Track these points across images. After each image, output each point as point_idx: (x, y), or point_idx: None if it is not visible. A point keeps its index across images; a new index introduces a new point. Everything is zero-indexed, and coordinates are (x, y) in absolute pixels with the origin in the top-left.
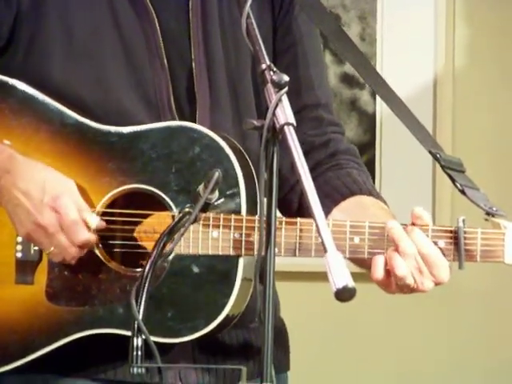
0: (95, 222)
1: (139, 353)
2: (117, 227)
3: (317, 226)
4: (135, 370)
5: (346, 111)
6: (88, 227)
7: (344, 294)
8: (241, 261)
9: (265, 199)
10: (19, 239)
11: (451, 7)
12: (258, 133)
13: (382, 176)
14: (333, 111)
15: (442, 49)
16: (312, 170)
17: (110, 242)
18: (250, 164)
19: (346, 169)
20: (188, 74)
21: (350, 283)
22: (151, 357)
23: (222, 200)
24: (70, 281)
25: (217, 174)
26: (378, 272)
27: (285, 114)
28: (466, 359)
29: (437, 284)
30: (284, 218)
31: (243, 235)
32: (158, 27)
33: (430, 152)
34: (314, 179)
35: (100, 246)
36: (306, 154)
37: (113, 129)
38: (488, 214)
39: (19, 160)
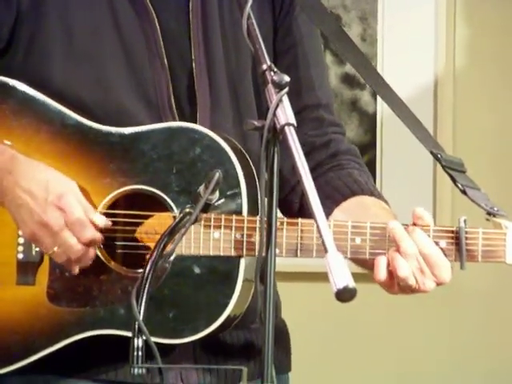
0: (102, 220)
1: (140, 353)
2: (118, 228)
3: (317, 226)
4: (136, 370)
5: (346, 111)
6: (94, 226)
7: (345, 295)
8: (242, 261)
9: (265, 199)
10: (20, 240)
11: (452, 8)
12: (258, 133)
13: (382, 176)
14: (333, 111)
15: (443, 49)
16: (313, 170)
17: (111, 242)
18: (251, 164)
19: (347, 169)
20: (188, 74)
21: (351, 284)
22: (152, 357)
23: (222, 200)
24: (71, 282)
25: (217, 174)
26: (381, 273)
27: (285, 114)
28: (467, 360)
29: (438, 284)
30: (285, 219)
31: (244, 236)
32: (158, 27)
33: (431, 152)
34: (315, 180)
35: (101, 246)
36: (307, 154)
37: (113, 129)
38: (489, 214)
39: (21, 160)
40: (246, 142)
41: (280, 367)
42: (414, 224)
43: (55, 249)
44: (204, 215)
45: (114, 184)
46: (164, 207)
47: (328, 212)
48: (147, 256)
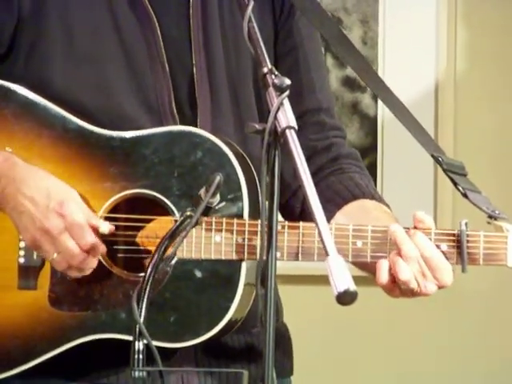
0: (107, 227)
1: (140, 356)
2: (119, 232)
3: (318, 229)
4: (136, 373)
5: (347, 114)
6: (96, 232)
7: (345, 298)
8: (244, 265)
9: (266, 203)
10: (22, 244)
11: (453, 11)
12: (259, 137)
13: (383, 179)
14: (335, 115)
15: (444, 52)
16: (314, 174)
17: (113, 246)
18: (252, 168)
19: (348, 173)
20: (189, 79)
21: (352, 287)
22: (153, 361)
23: (223, 204)
24: (73, 286)
25: (218, 177)
26: (383, 276)
27: (286, 117)
28: (468, 362)
29: (440, 287)
30: (286, 222)
31: (246, 239)
32: (159, 32)
33: (433, 156)
34: (316, 184)
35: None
36: (309, 158)
37: (115, 134)
38: (490, 217)
39: (22, 167)
40: (247, 146)
41: (282, 371)
42: (415, 227)
43: (55, 255)
44: (205, 219)
45: (115, 188)
46: (165, 211)
47: (329, 216)
48: (148, 260)
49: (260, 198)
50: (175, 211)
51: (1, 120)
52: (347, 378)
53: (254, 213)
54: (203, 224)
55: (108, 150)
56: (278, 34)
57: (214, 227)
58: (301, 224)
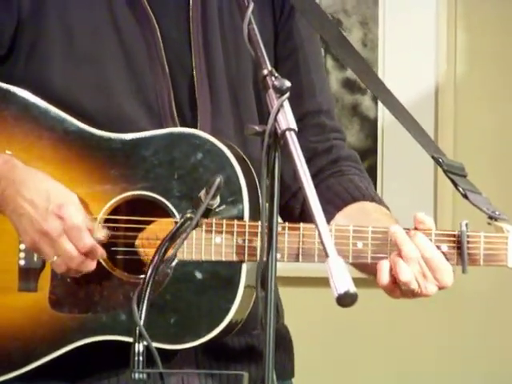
0: (101, 234)
1: (140, 358)
2: (119, 234)
3: (318, 231)
4: (136, 375)
5: (347, 116)
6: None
7: (346, 300)
8: (244, 266)
9: (267, 204)
10: (22, 246)
11: (453, 12)
12: (259, 139)
13: (383, 181)
14: (334, 117)
15: (444, 54)
16: (314, 176)
17: (113, 248)
18: (253, 170)
19: (348, 175)
20: (189, 80)
21: (352, 289)
22: (153, 362)
23: (223, 207)
24: (73, 288)
25: (218, 179)
26: (384, 277)
27: (286, 119)
28: (468, 363)
29: (440, 288)
30: (287, 223)
31: (246, 241)
32: (159, 34)
33: (433, 157)
34: (316, 186)
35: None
36: (309, 160)
37: (115, 135)
38: (491, 217)
39: (22, 170)
40: (247, 148)
41: (283, 373)
42: (416, 228)
43: (54, 258)
44: (205, 220)
45: (116, 190)
46: (166, 213)
47: (329, 217)
48: (148, 262)
49: (260, 200)
50: (175, 213)
51: (0, 122)
52: (348, 379)
53: (255, 214)
54: (203, 226)
55: (108, 152)
56: (277, 35)
57: (214, 229)
58: (301, 225)
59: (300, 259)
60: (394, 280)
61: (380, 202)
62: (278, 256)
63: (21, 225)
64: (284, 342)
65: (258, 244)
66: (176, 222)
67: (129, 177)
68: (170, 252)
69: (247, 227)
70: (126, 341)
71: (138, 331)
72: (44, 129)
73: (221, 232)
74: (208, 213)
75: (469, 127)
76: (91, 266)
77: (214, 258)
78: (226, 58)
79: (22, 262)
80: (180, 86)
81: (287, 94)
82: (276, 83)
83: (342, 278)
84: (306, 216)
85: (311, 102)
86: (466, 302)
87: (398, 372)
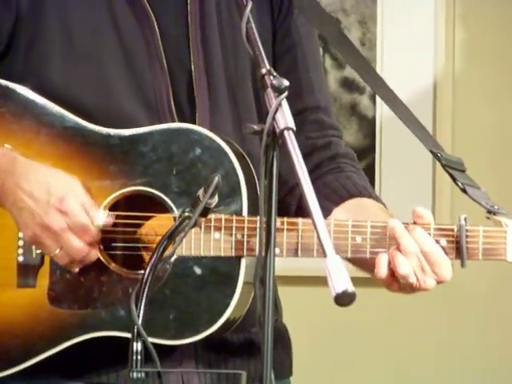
0: (102, 221)
1: (138, 357)
2: (118, 229)
3: (316, 230)
4: (135, 374)
5: (345, 116)
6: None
7: (344, 299)
8: (243, 262)
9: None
10: (20, 243)
11: (451, 11)
12: (258, 136)
13: (381, 181)
14: (332, 114)
15: (442, 53)
16: (312, 171)
17: (112, 244)
18: (251, 166)
19: (345, 172)
20: (187, 77)
21: (350, 288)
22: (152, 360)
23: (222, 201)
24: (72, 284)
25: (217, 178)
26: (382, 270)
27: (285, 118)
28: (467, 360)
29: (439, 282)
30: (285, 218)
31: (245, 236)
32: (157, 31)
33: (431, 151)
34: (313, 182)
35: (101, 248)
36: (309, 154)
37: (114, 131)
38: (489, 212)
39: (22, 162)
40: (246, 144)
41: (281, 371)
42: (415, 223)
43: (57, 251)
44: (203, 219)
45: (114, 185)
46: (164, 208)
47: (326, 213)
48: (147, 258)
49: (259, 199)
50: (174, 208)
51: None
52: (346, 378)
53: (253, 210)
54: (202, 225)
55: (107, 148)
56: (276, 33)
57: (213, 224)
58: (300, 220)
59: (299, 254)
60: (393, 273)
61: (377, 198)
62: (277, 251)
63: (21, 218)
64: (282, 341)
65: (257, 240)
66: (174, 218)
67: (127, 172)
68: (169, 251)
69: (246, 223)
70: (125, 337)
71: (135, 330)
72: (43, 125)
73: (220, 227)
74: (206, 212)
75: (467, 124)
76: (94, 256)
77: (212, 254)
78: (224, 55)
79: (21, 258)
80: (178, 83)
81: (285, 93)
82: (274, 82)
83: (340, 277)
84: (302, 213)
85: (310, 98)
86: (465, 299)
87: (396, 371)
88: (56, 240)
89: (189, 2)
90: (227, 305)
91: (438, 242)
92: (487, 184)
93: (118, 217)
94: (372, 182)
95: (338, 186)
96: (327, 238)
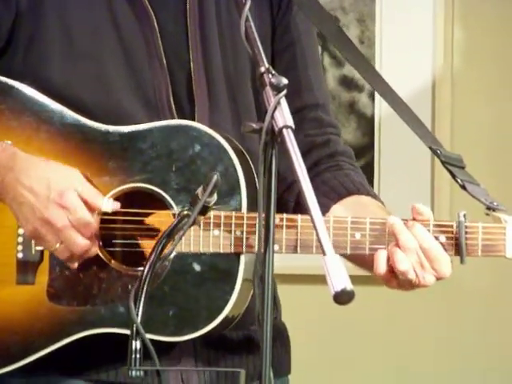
0: (110, 206)
1: (137, 356)
2: (117, 226)
3: (315, 228)
4: (133, 373)
5: (344, 114)
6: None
7: (342, 297)
8: (242, 259)
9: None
10: (20, 239)
11: (450, 9)
12: (257, 134)
13: (380, 179)
14: (330, 112)
15: (441, 51)
16: (312, 168)
17: (111, 241)
18: (250, 163)
19: (344, 170)
20: (186, 75)
21: (349, 286)
22: (151, 358)
23: (221, 204)
24: (71, 280)
25: (215, 177)
26: (381, 266)
27: (283, 116)
28: (466, 355)
29: (438, 279)
30: (284, 215)
31: (244, 233)
32: (156, 28)
33: (431, 148)
34: (312, 179)
35: (101, 244)
36: (307, 152)
37: (113, 128)
38: (489, 208)
39: (22, 158)
40: (245, 141)
41: (280, 369)
42: (414, 219)
43: (57, 246)
44: (202, 218)
45: (114, 182)
46: (163, 205)
47: (324, 211)
48: (147, 254)
49: (258, 196)
50: (173, 205)
51: None
52: (345, 376)
53: (253, 206)
54: (201, 223)
55: (106, 145)
56: (275, 29)
57: (212, 221)
58: (299, 217)
59: (298, 251)
60: (392, 270)
61: (375, 196)
62: (276, 248)
63: (21, 213)
64: (281, 338)
65: (256, 236)
66: (174, 214)
67: (127, 169)
68: (168, 249)
69: (245, 219)
70: (125, 333)
71: (134, 328)
72: (42, 122)
73: (219, 224)
74: (205, 210)
75: (465, 122)
76: (94, 252)
77: (212, 250)
78: (223, 53)
79: (20, 255)
80: (178, 80)
81: (284, 92)
82: (273, 80)
83: (339, 276)
84: (300, 209)
85: (309, 96)
86: (464, 296)
87: (395, 369)
88: (56, 235)
89: None
90: (226, 301)
91: (437, 238)
92: (486, 181)
93: (117, 213)
94: (371, 180)
95: (336, 183)
96: (326, 236)
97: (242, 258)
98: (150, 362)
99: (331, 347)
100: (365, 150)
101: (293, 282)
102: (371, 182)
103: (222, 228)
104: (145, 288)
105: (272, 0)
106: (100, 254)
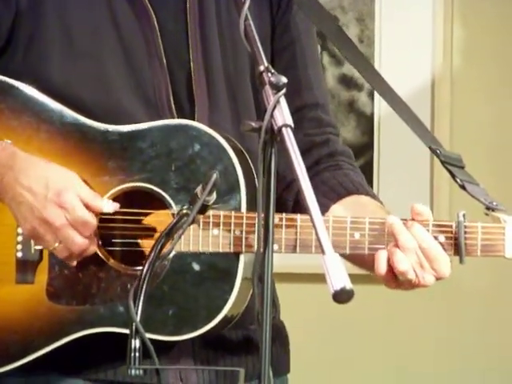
0: (111, 206)
1: (137, 354)
2: (117, 225)
3: (314, 227)
4: (133, 371)
5: (344, 113)
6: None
7: (342, 296)
8: (241, 258)
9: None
10: (19, 239)
11: (449, 8)
12: (256, 133)
13: (379, 177)
14: (329, 112)
15: (440, 50)
16: (312, 167)
17: (110, 240)
18: (250, 162)
19: (343, 169)
20: (186, 74)
21: (348, 285)
22: (150, 356)
23: (220, 204)
24: (71, 280)
25: (215, 175)
26: (381, 267)
27: (283, 115)
28: (465, 355)
29: (438, 279)
30: (284, 215)
31: (243, 232)
32: (156, 27)
33: (430, 148)
34: (312, 178)
35: (100, 244)
36: (307, 151)
37: (112, 127)
38: (488, 208)
39: (22, 157)
40: (245, 141)
41: (279, 368)
42: (413, 219)
43: (56, 245)
44: (201, 217)
45: (113, 182)
46: (163, 204)
47: (324, 210)
48: (146, 254)
49: (257, 195)
50: (173, 204)
51: None
52: (344, 375)
53: (252, 206)
54: (200, 222)
55: (106, 144)
56: (275, 28)
57: (211, 220)
58: (298, 216)
59: (297, 250)
60: (392, 270)
61: (374, 196)
62: (276, 247)
63: (20, 212)
64: (280, 338)
65: (255, 236)
66: (173, 214)
67: (126, 168)
68: (167, 248)
69: (245, 219)
70: (124, 333)
71: (134, 327)
72: (42, 121)
73: (218, 223)
74: (204, 209)
75: (465, 121)
76: (93, 250)
77: (211, 250)
78: (222, 52)
79: (20, 254)
80: (178, 80)
81: (283, 90)
82: (272, 79)
83: (339, 275)
84: (298, 209)
85: (308, 95)
86: (463, 296)
87: (394, 368)
88: (55, 234)
89: None
90: (225, 301)
91: (436, 238)
92: (485, 181)
93: (116, 213)
94: (370, 179)
95: (335, 183)
96: (325, 234)
97: (242, 258)
98: (148, 361)
99: (330, 346)
100: (364, 149)
101: (292, 280)
102: (370, 181)
103: (221, 227)
104: (144, 287)
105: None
106: (99, 254)
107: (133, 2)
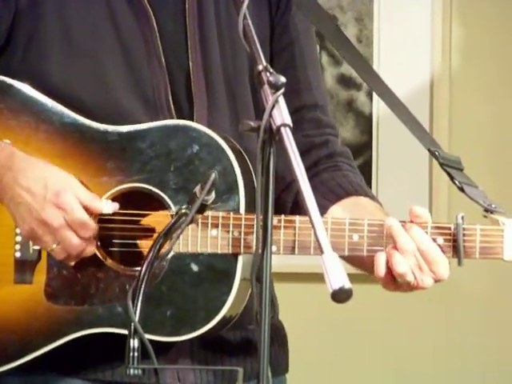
0: (111, 207)
1: (135, 354)
2: (115, 226)
3: (313, 227)
4: (131, 371)
5: (342, 112)
6: (96, 215)
7: (340, 296)
8: (240, 259)
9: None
10: (18, 239)
11: (448, 7)
12: (255, 133)
13: (378, 177)
14: (328, 112)
15: (439, 49)
16: (311, 167)
17: (109, 240)
18: (249, 163)
19: (342, 171)
20: (185, 74)
21: (347, 284)
22: (148, 356)
23: (219, 198)
24: (69, 280)
25: (213, 175)
26: (381, 269)
27: (281, 115)
28: (464, 356)
29: (436, 281)
30: (282, 216)
31: (242, 233)
32: (155, 27)
33: (429, 150)
34: (311, 179)
35: (99, 244)
36: (307, 151)
37: (111, 128)
38: (487, 210)
39: (20, 157)
40: (243, 141)
41: (277, 368)
42: (412, 222)
43: (54, 246)
44: (200, 216)
45: (112, 182)
46: (162, 205)
47: (323, 212)
48: (144, 254)
49: (256, 196)
50: (171, 205)
51: None
52: (343, 375)
53: (251, 207)
54: (199, 221)
55: (104, 145)
56: (274, 29)
57: (210, 221)
58: (297, 218)
59: (296, 252)
60: (391, 272)
61: (373, 197)
62: (274, 249)
63: (18, 213)
64: (279, 337)
65: (254, 237)
66: (172, 215)
67: (125, 169)
68: (165, 248)
69: (243, 220)
70: (122, 333)
71: (132, 327)
72: (41, 121)
73: (217, 224)
74: (203, 208)
75: (463, 121)
76: (91, 251)
77: (209, 251)
78: (221, 52)
79: (18, 254)
80: (177, 80)
81: (282, 90)
82: (271, 79)
83: (337, 274)
84: (297, 210)
85: (307, 95)
86: (462, 298)
87: (393, 368)
88: (53, 235)
89: None
90: (224, 302)
91: (434, 240)
92: (484, 182)
93: (115, 213)
94: (369, 179)
95: (334, 184)
96: (324, 234)
97: (240, 259)
98: (147, 361)
99: (329, 346)
100: (363, 149)
101: (290, 280)
102: (369, 181)
103: (219, 228)
104: (143, 286)
105: (271, 0)
106: (98, 254)
107: (132, 2)
